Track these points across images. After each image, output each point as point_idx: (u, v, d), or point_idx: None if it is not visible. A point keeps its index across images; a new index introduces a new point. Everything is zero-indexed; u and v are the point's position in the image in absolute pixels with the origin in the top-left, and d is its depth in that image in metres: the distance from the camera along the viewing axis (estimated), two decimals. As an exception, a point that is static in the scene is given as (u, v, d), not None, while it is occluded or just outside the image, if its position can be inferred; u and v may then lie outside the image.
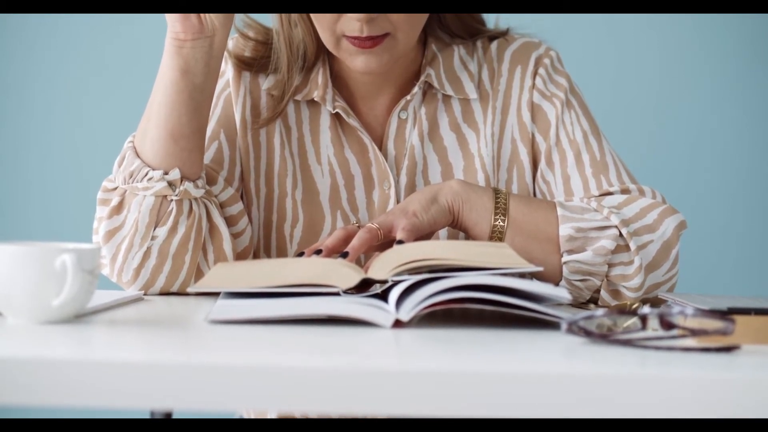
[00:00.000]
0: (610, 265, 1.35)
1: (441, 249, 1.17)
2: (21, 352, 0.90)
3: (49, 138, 2.51)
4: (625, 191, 1.44)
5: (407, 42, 1.39)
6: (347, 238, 1.32)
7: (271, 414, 1.44)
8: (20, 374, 0.86)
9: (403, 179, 1.49)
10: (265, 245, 1.49)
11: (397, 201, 1.48)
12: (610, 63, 2.49)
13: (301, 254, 1.32)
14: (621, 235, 1.35)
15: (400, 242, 1.28)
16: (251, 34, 1.51)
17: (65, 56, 2.50)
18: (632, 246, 1.34)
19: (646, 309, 0.97)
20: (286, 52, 1.47)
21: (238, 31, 1.50)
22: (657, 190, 1.44)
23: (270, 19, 1.50)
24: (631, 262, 1.35)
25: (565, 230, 1.34)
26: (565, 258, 1.34)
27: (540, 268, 1.12)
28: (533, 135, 1.50)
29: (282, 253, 1.48)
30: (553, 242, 1.35)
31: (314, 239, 1.47)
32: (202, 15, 1.33)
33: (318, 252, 1.30)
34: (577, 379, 0.85)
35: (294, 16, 1.45)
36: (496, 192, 1.37)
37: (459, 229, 1.37)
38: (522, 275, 1.42)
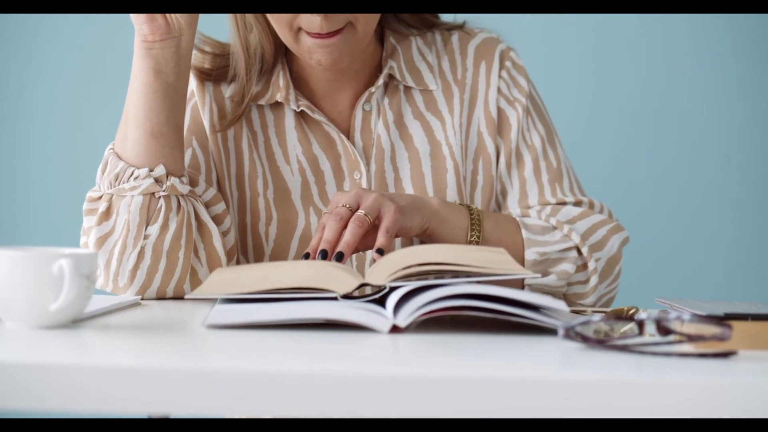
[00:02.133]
0: (569, 285, 1.45)
1: (440, 253, 1.17)
2: (18, 356, 0.90)
3: (50, 142, 2.51)
4: (578, 203, 1.51)
5: (366, 32, 1.40)
6: (344, 227, 1.33)
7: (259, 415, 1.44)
8: (17, 379, 0.86)
9: (373, 167, 1.51)
10: (241, 247, 1.51)
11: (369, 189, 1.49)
12: (608, 64, 2.49)
13: (306, 255, 1.32)
14: (580, 254, 1.44)
15: (380, 251, 1.30)
16: (208, 48, 1.53)
17: (66, 59, 2.50)
18: (591, 266, 1.44)
19: (643, 315, 0.97)
20: (243, 56, 1.49)
21: (195, 46, 1.51)
22: (604, 204, 1.53)
23: (225, 35, 1.52)
24: (587, 281, 1.45)
25: (530, 255, 1.43)
26: (529, 281, 1.42)
27: (537, 275, 1.13)
28: (496, 136, 1.53)
29: (259, 252, 1.50)
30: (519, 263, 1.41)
31: (289, 237, 1.49)
32: (168, 16, 1.35)
33: (323, 252, 1.30)
34: (573, 384, 0.85)
35: (249, 19, 1.47)
36: (469, 209, 1.42)
37: (430, 242, 1.41)
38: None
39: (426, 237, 1.40)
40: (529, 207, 1.51)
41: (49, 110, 2.51)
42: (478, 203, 1.52)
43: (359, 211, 1.33)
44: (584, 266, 1.45)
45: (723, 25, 2.47)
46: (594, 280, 1.44)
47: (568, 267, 1.44)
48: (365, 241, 1.35)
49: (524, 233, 1.43)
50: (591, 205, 1.52)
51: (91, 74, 2.50)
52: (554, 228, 1.46)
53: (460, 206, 1.42)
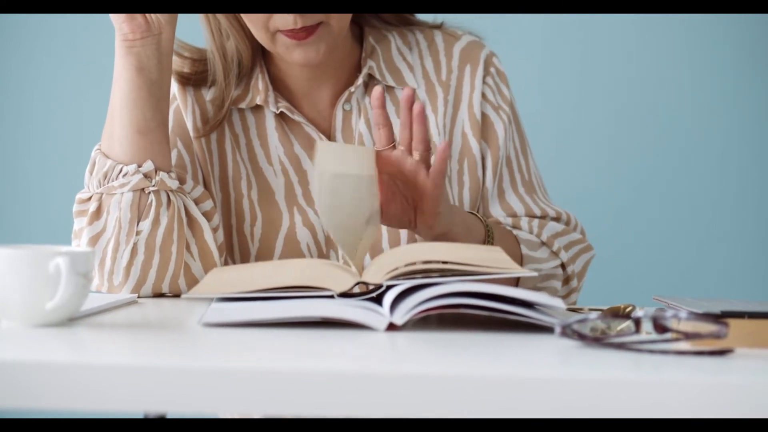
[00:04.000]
0: None
1: (436, 251, 1.17)
2: (14, 355, 0.90)
3: (50, 142, 2.51)
4: (557, 218, 1.55)
5: (341, 27, 1.41)
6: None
7: (255, 414, 1.45)
8: (13, 377, 0.86)
9: None
10: (228, 248, 1.51)
11: None
12: (605, 64, 2.49)
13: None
14: (564, 269, 1.49)
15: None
16: (186, 53, 1.53)
17: (66, 58, 2.50)
18: (573, 284, 1.50)
19: (639, 312, 0.97)
20: (221, 63, 1.49)
21: (174, 51, 1.51)
22: (577, 218, 1.58)
23: (202, 41, 1.52)
24: (568, 296, 1.51)
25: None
26: (523, 280, 1.44)
27: (534, 273, 1.13)
28: (481, 139, 1.54)
29: (245, 252, 1.50)
30: (515, 278, 1.45)
31: (274, 236, 1.49)
32: (147, 14, 1.36)
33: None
34: (570, 382, 0.85)
35: (225, 26, 1.48)
36: (485, 224, 1.43)
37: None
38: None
39: (445, 236, 1.38)
40: (515, 216, 1.53)
41: (49, 110, 2.51)
42: (466, 203, 1.52)
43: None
44: (567, 281, 1.51)
45: (717, 26, 2.47)
46: (574, 297, 1.52)
47: (556, 283, 1.49)
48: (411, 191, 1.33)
49: (523, 249, 1.46)
50: (568, 221, 1.56)
51: (90, 74, 2.50)
52: (542, 243, 1.50)
53: (475, 216, 1.43)
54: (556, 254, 1.50)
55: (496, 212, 1.53)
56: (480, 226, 1.41)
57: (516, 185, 1.54)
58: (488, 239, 1.41)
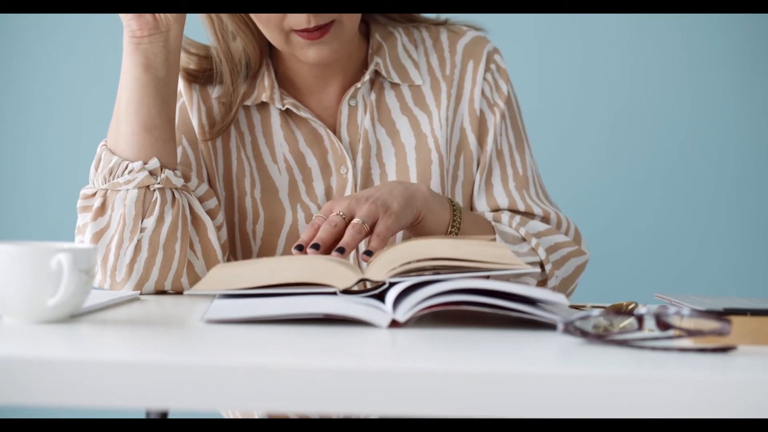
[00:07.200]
0: None
1: (439, 248, 1.17)
2: (16, 351, 0.90)
3: (49, 141, 2.51)
4: (545, 218, 1.53)
5: (353, 25, 1.42)
6: (339, 233, 1.31)
7: (257, 414, 1.45)
8: (15, 374, 0.86)
9: (359, 162, 1.52)
10: (230, 246, 1.52)
11: (354, 185, 1.50)
12: (604, 64, 2.49)
13: (299, 247, 1.30)
14: (543, 269, 1.47)
15: (369, 253, 1.27)
16: (193, 50, 1.53)
17: (65, 56, 2.50)
18: (550, 284, 1.47)
19: (642, 309, 0.97)
20: (227, 65, 1.50)
21: (182, 47, 1.51)
22: (570, 219, 1.55)
23: (206, 37, 1.52)
24: None
25: None
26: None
27: (536, 270, 1.13)
28: (477, 137, 1.55)
29: (247, 251, 1.51)
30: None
31: (276, 234, 1.49)
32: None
33: (315, 247, 1.29)
34: (573, 379, 0.85)
35: (232, 28, 1.48)
36: (451, 203, 1.41)
37: (414, 233, 1.40)
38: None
39: (415, 226, 1.39)
40: (499, 209, 1.53)
41: (48, 109, 2.51)
42: (458, 197, 1.53)
43: (355, 219, 1.31)
44: (544, 282, 1.48)
45: (717, 26, 2.48)
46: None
47: (530, 280, 1.46)
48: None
49: (498, 239, 1.44)
50: (558, 224, 1.54)
51: (90, 73, 2.50)
52: (523, 239, 1.48)
53: (444, 200, 1.42)
54: (534, 251, 1.47)
55: (481, 207, 1.53)
56: (446, 208, 1.39)
57: (507, 179, 1.54)
58: (455, 221, 1.39)
